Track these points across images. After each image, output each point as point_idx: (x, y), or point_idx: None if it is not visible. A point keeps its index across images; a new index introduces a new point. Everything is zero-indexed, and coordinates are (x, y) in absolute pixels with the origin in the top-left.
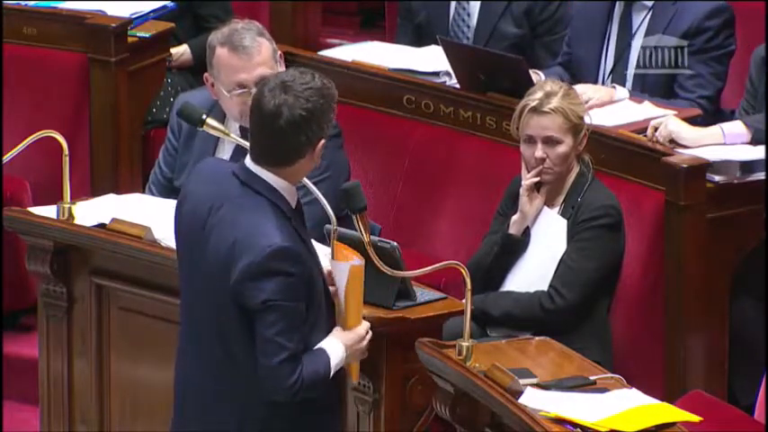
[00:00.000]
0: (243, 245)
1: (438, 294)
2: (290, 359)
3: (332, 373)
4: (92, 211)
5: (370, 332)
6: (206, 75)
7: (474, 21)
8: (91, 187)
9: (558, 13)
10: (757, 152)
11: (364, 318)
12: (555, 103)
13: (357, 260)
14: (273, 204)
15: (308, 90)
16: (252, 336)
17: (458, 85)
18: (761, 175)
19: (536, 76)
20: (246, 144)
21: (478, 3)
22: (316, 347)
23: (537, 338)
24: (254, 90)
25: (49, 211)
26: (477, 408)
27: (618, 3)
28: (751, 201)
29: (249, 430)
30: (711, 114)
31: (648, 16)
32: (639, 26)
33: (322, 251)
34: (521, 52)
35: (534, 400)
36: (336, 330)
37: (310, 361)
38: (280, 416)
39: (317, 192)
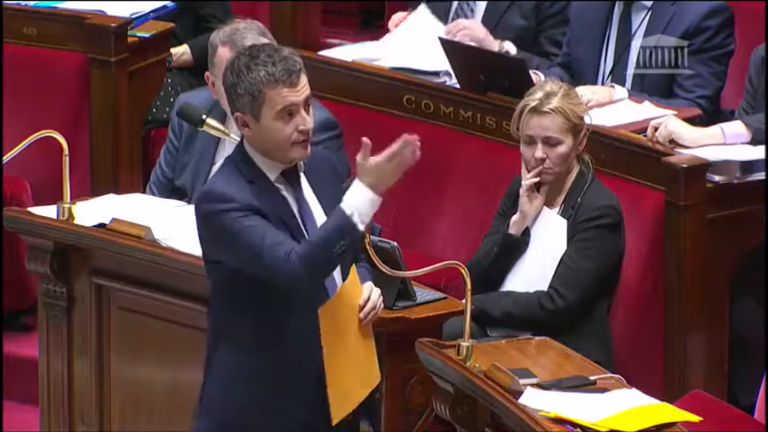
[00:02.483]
0: None
1: (438, 294)
2: (278, 246)
3: (358, 224)
4: (92, 211)
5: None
6: (207, 73)
7: (479, 17)
8: (91, 187)
9: (567, 9)
10: (757, 152)
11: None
12: (555, 103)
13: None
14: (236, 166)
15: (233, 59)
16: (214, 290)
17: (458, 85)
18: (761, 175)
19: (536, 76)
20: None
21: (484, 3)
22: None
23: (537, 338)
24: None
25: (49, 211)
26: (477, 408)
27: (617, 3)
28: (751, 201)
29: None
30: (711, 114)
31: (648, 16)
32: (639, 26)
33: None
34: (525, 46)
35: (534, 400)
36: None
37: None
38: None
39: None
